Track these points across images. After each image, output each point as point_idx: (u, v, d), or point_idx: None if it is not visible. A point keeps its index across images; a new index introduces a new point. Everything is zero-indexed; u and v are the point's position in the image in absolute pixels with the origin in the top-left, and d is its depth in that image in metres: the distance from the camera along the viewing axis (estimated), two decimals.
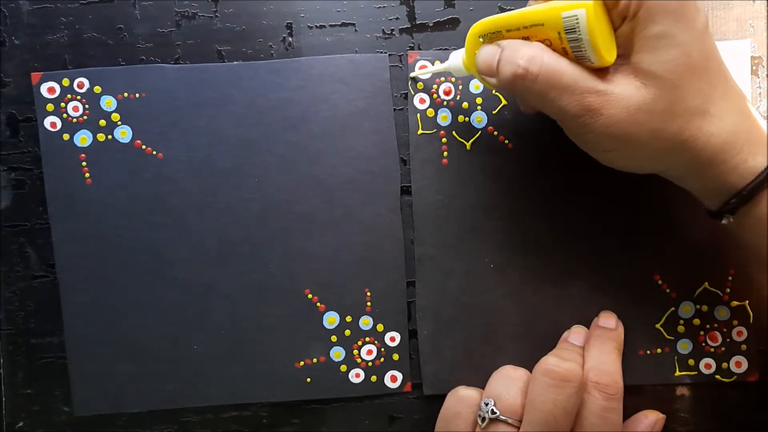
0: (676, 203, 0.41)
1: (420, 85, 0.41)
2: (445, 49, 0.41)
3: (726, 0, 0.41)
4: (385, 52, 0.41)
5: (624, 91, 0.31)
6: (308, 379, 0.41)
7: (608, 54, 0.31)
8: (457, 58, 0.37)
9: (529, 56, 0.31)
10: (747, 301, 0.41)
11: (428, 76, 0.41)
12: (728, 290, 0.41)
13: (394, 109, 0.41)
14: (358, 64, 0.41)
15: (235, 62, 0.41)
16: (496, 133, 0.41)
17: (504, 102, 0.41)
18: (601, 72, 0.32)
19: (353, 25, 0.41)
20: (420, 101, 0.41)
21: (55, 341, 0.42)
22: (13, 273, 0.42)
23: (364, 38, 0.41)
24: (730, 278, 0.41)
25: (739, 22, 0.41)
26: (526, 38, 0.32)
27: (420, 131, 0.41)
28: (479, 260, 0.41)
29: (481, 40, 0.34)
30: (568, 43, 0.31)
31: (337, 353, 0.41)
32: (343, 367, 0.41)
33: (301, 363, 0.41)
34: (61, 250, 0.41)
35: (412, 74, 0.40)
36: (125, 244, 0.41)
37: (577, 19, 0.30)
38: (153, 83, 0.40)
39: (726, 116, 0.31)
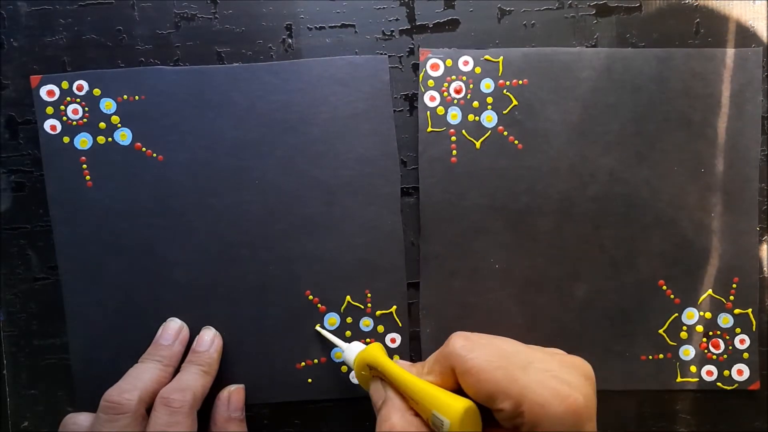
0: (684, 210, 0.41)
1: (431, 82, 0.41)
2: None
3: (726, 0, 0.41)
4: (385, 54, 0.41)
5: None
6: (309, 380, 0.41)
7: None
8: (351, 353, 0.38)
9: (390, 427, 0.32)
10: (750, 310, 0.41)
11: None
12: (732, 298, 0.41)
13: (394, 111, 0.41)
14: (358, 66, 0.41)
15: (235, 64, 0.41)
16: (506, 133, 0.41)
17: (515, 102, 0.41)
18: None
19: (353, 26, 0.41)
20: (430, 99, 0.41)
21: (58, 343, 0.42)
22: (14, 275, 0.42)
23: (364, 39, 0.41)
24: (734, 286, 0.41)
25: (739, 23, 0.41)
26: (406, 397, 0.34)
27: (430, 129, 0.41)
28: (485, 260, 0.41)
29: (370, 369, 0.36)
30: None
31: (338, 354, 0.41)
32: (344, 368, 0.41)
33: (302, 364, 0.41)
34: (64, 253, 0.41)
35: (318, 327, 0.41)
36: (127, 246, 0.41)
37: (442, 423, 0.31)
38: (152, 85, 0.40)
39: None
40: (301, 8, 0.41)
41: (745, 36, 0.41)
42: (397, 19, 0.41)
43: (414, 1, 0.41)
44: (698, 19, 0.41)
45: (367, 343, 0.39)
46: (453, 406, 0.31)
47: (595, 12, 0.41)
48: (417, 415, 0.33)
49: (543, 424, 0.29)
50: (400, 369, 0.34)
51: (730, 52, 0.40)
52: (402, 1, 0.41)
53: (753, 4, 0.41)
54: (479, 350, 0.32)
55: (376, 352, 0.36)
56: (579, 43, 0.41)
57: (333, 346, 0.41)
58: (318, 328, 0.41)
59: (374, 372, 0.36)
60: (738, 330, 0.41)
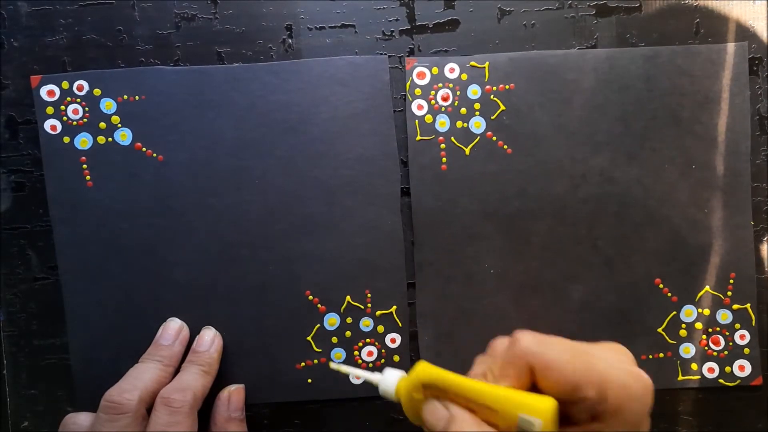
0: (677, 208, 0.41)
1: (418, 91, 0.41)
2: (445, 50, 0.41)
3: (726, 0, 0.41)
4: (385, 54, 0.41)
5: None
6: (309, 380, 0.41)
7: None
8: (390, 381, 0.32)
9: None
10: (749, 305, 0.41)
11: None
12: (730, 293, 0.41)
13: (394, 111, 0.41)
14: (358, 66, 0.41)
15: (235, 64, 0.41)
16: (494, 138, 0.41)
17: (502, 107, 0.41)
18: None
19: (353, 26, 0.41)
20: (418, 107, 0.41)
21: (58, 343, 0.42)
22: (14, 275, 0.42)
23: (364, 40, 0.41)
24: (732, 281, 0.41)
25: (739, 23, 0.41)
26: (473, 410, 0.30)
27: (419, 137, 0.41)
28: (479, 265, 0.41)
29: (423, 389, 0.31)
30: None
31: (338, 354, 0.41)
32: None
33: (302, 364, 0.41)
34: (64, 253, 0.41)
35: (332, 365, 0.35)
36: (127, 246, 0.41)
37: (532, 425, 0.29)
38: (153, 85, 0.40)
39: None
40: (301, 8, 0.41)
41: (745, 36, 0.41)
42: (397, 19, 0.41)
43: (414, 1, 0.41)
44: (698, 19, 0.41)
45: (367, 347, 0.39)
46: (541, 405, 0.29)
47: (595, 12, 0.41)
48: (491, 424, 0.30)
49: (626, 405, 0.29)
50: (470, 380, 0.31)
51: (716, 47, 0.40)
52: (402, 1, 0.41)
53: (753, 4, 0.41)
54: (550, 345, 0.31)
55: (432, 369, 0.31)
56: (579, 43, 0.41)
57: (333, 346, 0.41)
58: (333, 366, 0.35)
59: (429, 392, 0.32)
60: (737, 326, 0.41)
